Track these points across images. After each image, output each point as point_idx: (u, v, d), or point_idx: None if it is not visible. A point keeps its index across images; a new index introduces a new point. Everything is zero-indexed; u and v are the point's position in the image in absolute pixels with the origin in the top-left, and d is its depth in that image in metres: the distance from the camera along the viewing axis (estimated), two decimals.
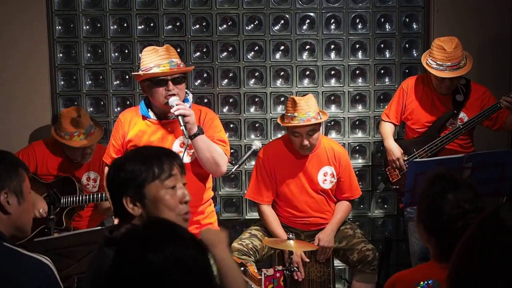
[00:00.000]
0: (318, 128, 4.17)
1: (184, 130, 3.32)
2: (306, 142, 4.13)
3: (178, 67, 3.44)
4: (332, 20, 4.95)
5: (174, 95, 3.41)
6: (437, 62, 4.13)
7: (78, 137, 4.22)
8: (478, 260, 1.41)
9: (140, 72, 3.48)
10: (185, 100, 3.53)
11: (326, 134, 4.76)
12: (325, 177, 4.28)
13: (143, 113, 3.56)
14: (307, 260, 4.22)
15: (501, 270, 1.39)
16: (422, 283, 2.21)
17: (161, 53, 3.44)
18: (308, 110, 4.07)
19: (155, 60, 3.43)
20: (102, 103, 4.89)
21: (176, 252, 1.47)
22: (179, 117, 3.33)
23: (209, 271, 1.54)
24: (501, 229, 1.42)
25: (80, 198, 4.22)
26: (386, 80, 5.03)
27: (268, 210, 4.30)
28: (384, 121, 4.51)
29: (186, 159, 3.47)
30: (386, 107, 4.61)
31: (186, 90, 3.60)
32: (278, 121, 4.29)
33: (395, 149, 4.36)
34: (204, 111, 3.63)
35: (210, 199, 3.73)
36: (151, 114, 3.54)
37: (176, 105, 3.36)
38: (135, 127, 3.56)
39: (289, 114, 4.12)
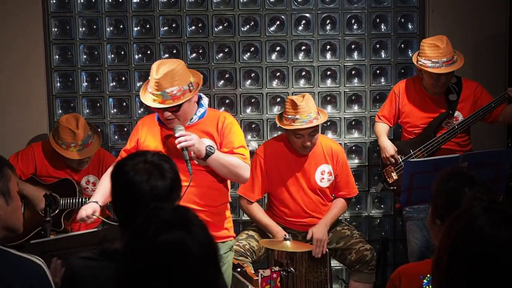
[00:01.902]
0: (318, 129, 4.20)
1: (188, 164, 3.28)
2: (308, 143, 4.15)
3: (173, 97, 3.35)
4: (328, 21, 4.96)
5: (171, 119, 3.40)
6: (432, 60, 4.16)
7: (75, 148, 4.20)
8: (464, 271, 1.43)
9: (141, 91, 3.52)
10: (199, 106, 3.54)
11: (322, 133, 4.77)
12: (323, 175, 4.29)
13: (158, 120, 3.58)
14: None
15: (491, 274, 1.41)
16: (428, 276, 2.23)
17: (155, 82, 3.34)
18: (309, 111, 4.08)
19: (151, 86, 3.38)
20: (98, 104, 4.89)
21: (184, 239, 1.54)
22: (183, 151, 3.31)
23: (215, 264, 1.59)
24: (482, 237, 1.44)
25: (79, 200, 4.23)
26: (382, 80, 5.04)
27: (255, 205, 4.30)
28: (378, 122, 4.55)
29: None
30: (379, 109, 4.65)
31: (201, 94, 3.58)
32: (277, 121, 4.29)
33: (388, 147, 4.39)
34: (223, 116, 3.60)
35: (228, 202, 3.71)
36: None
37: (178, 137, 3.33)
38: (151, 133, 3.58)
39: (289, 116, 4.11)
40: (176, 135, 3.35)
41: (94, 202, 3.49)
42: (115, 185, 2.24)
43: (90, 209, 3.43)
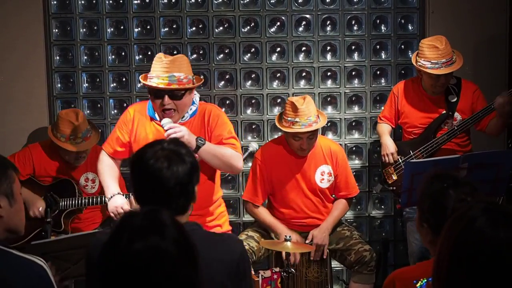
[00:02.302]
0: (317, 132, 4.20)
1: None
2: (306, 146, 4.15)
3: (179, 82, 3.36)
4: (328, 22, 4.96)
5: (169, 109, 3.39)
6: (432, 61, 4.17)
7: (74, 140, 4.22)
8: (465, 273, 1.44)
9: (141, 79, 3.50)
10: (192, 103, 3.52)
11: (322, 134, 4.77)
12: (323, 176, 4.29)
13: (150, 115, 3.57)
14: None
15: (493, 275, 1.41)
16: (422, 280, 2.22)
17: (164, 64, 3.38)
18: (309, 115, 4.08)
19: (157, 70, 3.40)
20: (99, 105, 4.90)
21: (159, 243, 1.51)
22: None
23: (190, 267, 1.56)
24: (482, 238, 1.45)
25: (79, 201, 4.23)
26: (382, 81, 5.04)
27: (261, 209, 4.32)
28: (380, 122, 4.57)
29: None
30: (381, 110, 4.66)
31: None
32: (276, 122, 4.29)
33: (389, 145, 4.40)
34: (208, 109, 3.59)
35: (219, 198, 3.70)
36: (157, 116, 3.51)
37: (166, 130, 3.32)
38: (142, 126, 3.56)
39: (289, 119, 4.11)
40: (165, 128, 3.34)
41: (117, 194, 3.51)
42: (136, 174, 2.27)
43: (126, 205, 3.46)
